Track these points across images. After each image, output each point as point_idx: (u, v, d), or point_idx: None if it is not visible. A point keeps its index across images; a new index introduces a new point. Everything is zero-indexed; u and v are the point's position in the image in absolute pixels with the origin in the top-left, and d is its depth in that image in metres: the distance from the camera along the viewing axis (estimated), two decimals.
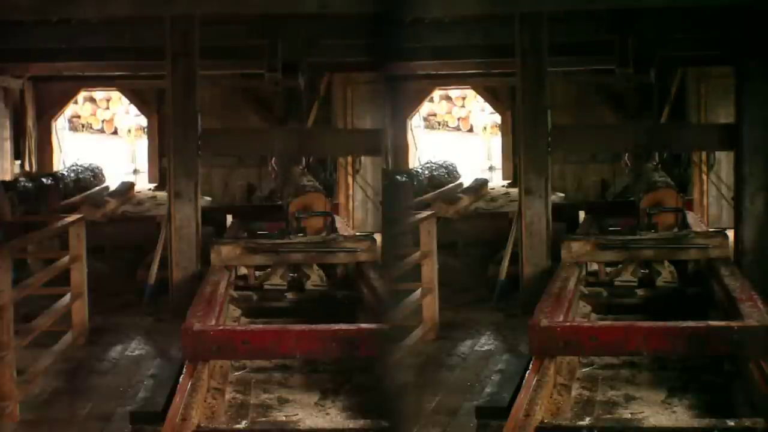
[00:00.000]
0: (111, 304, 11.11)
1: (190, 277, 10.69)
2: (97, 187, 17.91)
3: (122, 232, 13.70)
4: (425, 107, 23.32)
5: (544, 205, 10.89)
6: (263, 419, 7.48)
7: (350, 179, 15.71)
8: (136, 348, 9.57)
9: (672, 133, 12.41)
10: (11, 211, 13.37)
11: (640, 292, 10.58)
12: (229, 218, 13.11)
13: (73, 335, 9.54)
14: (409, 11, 10.29)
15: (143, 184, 19.30)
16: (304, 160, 13.50)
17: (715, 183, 15.53)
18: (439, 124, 25.92)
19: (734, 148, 11.02)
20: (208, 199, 15.72)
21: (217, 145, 11.59)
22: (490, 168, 23.14)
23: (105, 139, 25.88)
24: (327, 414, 7.61)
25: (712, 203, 15.78)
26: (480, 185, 17.25)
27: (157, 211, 14.71)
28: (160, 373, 8.52)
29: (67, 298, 9.62)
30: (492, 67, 15.72)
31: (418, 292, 9.80)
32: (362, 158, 15.44)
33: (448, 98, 25.78)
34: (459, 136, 25.62)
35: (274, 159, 13.96)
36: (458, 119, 26.05)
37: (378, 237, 10.86)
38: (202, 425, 6.97)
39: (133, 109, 22.86)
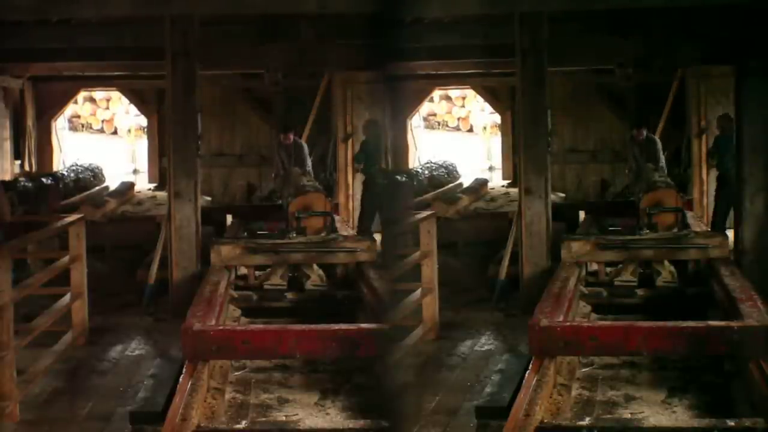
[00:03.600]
0: (111, 304, 11.12)
1: (190, 277, 10.69)
2: (97, 187, 17.91)
3: (122, 232, 13.70)
4: (425, 107, 23.31)
5: (543, 205, 10.89)
6: (263, 419, 7.48)
7: (350, 179, 15.69)
8: (136, 348, 9.57)
9: None
10: (11, 211, 13.38)
11: (640, 292, 10.59)
12: (229, 218, 13.11)
13: (73, 335, 9.54)
14: (409, 11, 10.31)
15: (143, 184, 19.30)
16: (309, 162, 13.47)
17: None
18: (439, 124, 25.91)
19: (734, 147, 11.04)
20: (208, 198, 15.73)
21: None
22: (490, 168, 23.13)
23: (105, 139, 25.87)
24: (327, 414, 7.61)
25: (712, 203, 15.73)
26: (480, 185, 17.25)
27: (157, 211, 14.71)
28: (160, 373, 8.52)
29: (67, 298, 9.62)
30: (492, 67, 15.72)
31: (418, 292, 9.80)
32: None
33: (448, 98, 25.77)
34: (459, 136, 25.61)
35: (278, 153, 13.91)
36: (458, 119, 26.04)
37: (378, 237, 10.87)
38: (202, 425, 6.97)
39: (133, 109, 22.86)
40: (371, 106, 15.94)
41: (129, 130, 25.87)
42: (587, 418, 7.08)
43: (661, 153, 14.69)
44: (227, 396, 7.93)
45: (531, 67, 10.85)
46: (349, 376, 8.28)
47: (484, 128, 25.44)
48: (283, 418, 7.48)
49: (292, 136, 13.68)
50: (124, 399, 7.96)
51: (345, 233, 11.61)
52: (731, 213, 13.92)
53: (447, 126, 25.96)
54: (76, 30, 12.58)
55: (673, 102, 16.61)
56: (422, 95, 18.52)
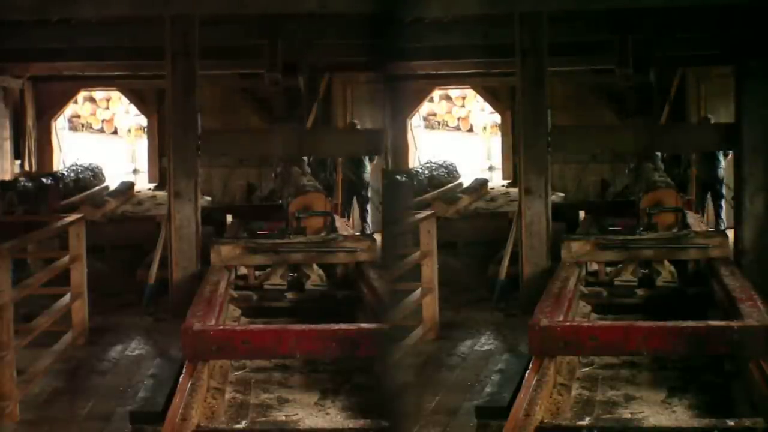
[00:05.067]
0: (111, 304, 11.12)
1: (190, 277, 10.69)
2: (97, 187, 17.90)
3: (122, 232, 13.69)
4: (425, 107, 23.32)
5: (543, 205, 10.89)
6: (263, 419, 7.48)
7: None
8: (136, 348, 9.58)
9: (672, 134, 12.40)
10: (11, 211, 13.39)
11: (640, 291, 10.59)
12: (229, 218, 13.10)
13: (73, 335, 9.54)
14: (409, 11, 10.31)
15: (143, 184, 19.29)
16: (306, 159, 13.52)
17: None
18: (439, 123, 25.92)
19: (734, 147, 11.04)
20: (208, 198, 15.72)
21: (217, 145, 11.57)
22: (490, 168, 23.14)
23: (105, 139, 25.88)
24: (327, 414, 7.62)
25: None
26: (480, 185, 17.25)
27: (157, 210, 14.71)
28: (160, 373, 8.51)
29: (67, 297, 9.63)
30: (492, 67, 15.73)
31: (418, 291, 9.80)
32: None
33: (448, 98, 25.78)
34: (459, 136, 25.61)
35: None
36: (458, 119, 26.05)
37: (378, 237, 10.86)
38: (202, 425, 6.97)
39: (133, 109, 22.87)
40: (371, 105, 15.96)
41: (129, 130, 25.89)
42: (587, 418, 7.07)
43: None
44: (227, 396, 7.94)
45: (531, 67, 10.84)
46: (349, 376, 8.28)
47: (484, 128, 25.45)
48: (283, 418, 7.48)
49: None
50: (124, 399, 7.96)
51: (345, 233, 11.60)
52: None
53: (447, 126, 25.97)
54: (76, 30, 12.59)
55: (673, 102, 16.61)
56: (422, 95, 18.52)
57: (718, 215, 14.87)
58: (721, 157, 14.88)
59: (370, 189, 15.17)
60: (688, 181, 15.64)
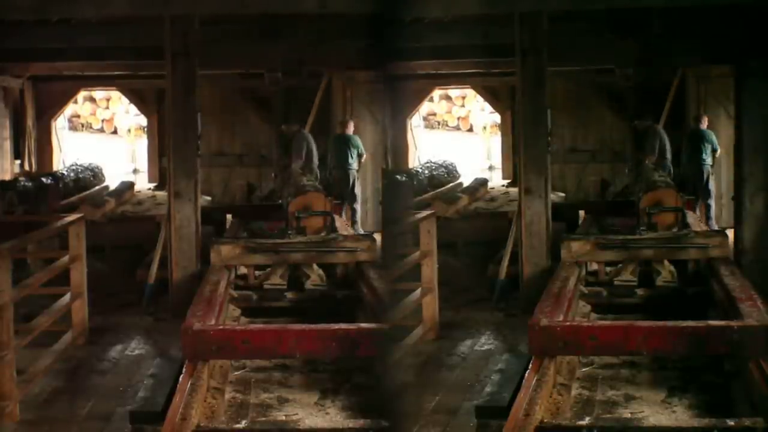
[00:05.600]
0: (111, 304, 11.13)
1: (189, 277, 10.70)
2: (97, 187, 17.91)
3: (122, 232, 13.70)
4: (425, 107, 23.33)
5: (543, 205, 10.89)
6: (263, 419, 7.48)
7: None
8: (135, 347, 9.58)
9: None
10: (11, 211, 13.39)
11: (639, 291, 10.58)
12: (229, 218, 13.11)
13: (72, 335, 9.54)
14: (409, 11, 10.31)
15: (143, 184, 19.30)
16: (314, 155, 13.55)
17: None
18: (438, 123, 25.93)
19: (734, 147, 11.05)
20: (208, 198, 15.73)
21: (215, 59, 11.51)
22: (490, 167, 23.14)
23: (105, 139, 25.89)
24: (327, 413, 7.62)
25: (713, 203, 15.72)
26: (480, 185, 17.25)
27: (157, 210, 14.71)
28: (159, 373, 8.52)
29: (67, 297, 9.63)
30: (492, 67, 15.73)
31: (418, 291, 9.80)
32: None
33: (448, 98, 25.80)
34: (459, 136, 25.62)
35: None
36: (458, 119, 26.06)
37: (378, 236, 10.86)
38: (201, 425, 6.97)
39: (133, 109, 22.87)
40: (371, 105, 15.96)
41: (129, 130, 25.89)
42: (587, 418, 7.07)
43: (667, 144, 14.72)
44: (227, 395, 7.94)
45: (531, 67, 10.85)
46: (349, 376, 8.28)
47: (484, 128, 25.46)
48: (283, 418, 7.48)
49: (294, 128, 13.75)
50: (124, 398, 7.97)
51: (345, 233, 11.60)
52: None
53: (447, 126, 25.99)
54: (76, 30, 12.58)
55: (673, 102, 16.62)
56: (422, 95, 18.52)
57: (707, 216, 14.88)
58: (708, 157, 14.91)
59: (357, 186, 15.16)
60: (688, 180, 15.63)
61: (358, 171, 15.26)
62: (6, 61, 14.96)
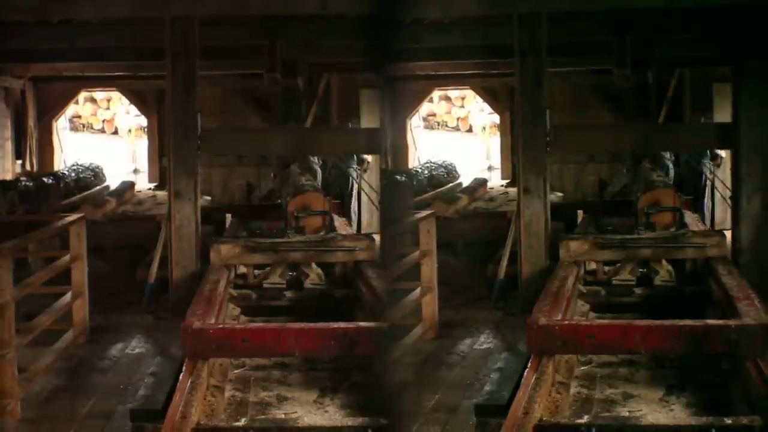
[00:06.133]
0: (111, 303, 11.14)
1: (189, 276, 10.72)
2: (98, 187, 17.94)
3: (122, 232, 13.72)
4: (425, 107, 23.36)
5: (542, 205, 10.91)
6: (262, 417, 7.51)
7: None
8: (136, 346, 9.60)
9: (670, 134, 12.43)
10: (12, 211, 13.42)
11: (638, 290, 10.61)
12: (229, 217, 13.14)
13: (73, 334, 9.57)
14: (409, 12, 10.34)
15: (143, 184, 19.34)
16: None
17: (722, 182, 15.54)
18: (438, 124, 25.95)
19: (732, 147, 11.07)
20: (208, 198, 15.75)
21: (217, 144, 11.60)
22: (489, 168, 23.17)
23: (105, 139, 25.91)
24: (326, 412, 7.64)
25: (715, 203, 15.69)
26: (479, 185, 17.28)
27: (157, 210, 14.74)
28: (160, 371, 8.54)
29: (68, 296, 9.65)
30: (491, 68, 15.77)
31: (418, 290, 9.83)
32: (369, 158, 15.44)
33: (448, 98, 25.82)
34: (458, 136, 25.65)
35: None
36: (457, 119, 26.08)
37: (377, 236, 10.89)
38: (201, 423, 6.99)
39: (134, 109, 22.90)
40: (371, 106, 15.99)
41: (129, 130, 25.92)
42: (586, 416, 7.10)
43: None
44: (227, 394, 7.96)
45: (530, 68, 10.87)
46: (348, 374, 8.31)
47: (484, 128, 25.49)
48: (282, 416, 7.51)
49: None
50: (125, 397, 7.99)
51: (344, 232, 11.63)
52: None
53: (446, 126, 26.02)
54: (76, 30, 12.61)
55: (671, 103, 16.64)
56: (422, 95, 18.56)
57: (702, 216, 14.88)
58: (706, 158, 14.92)
59: (355, 188, 15.12)
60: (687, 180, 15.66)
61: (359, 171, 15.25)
62: (7, 61, 15.00)
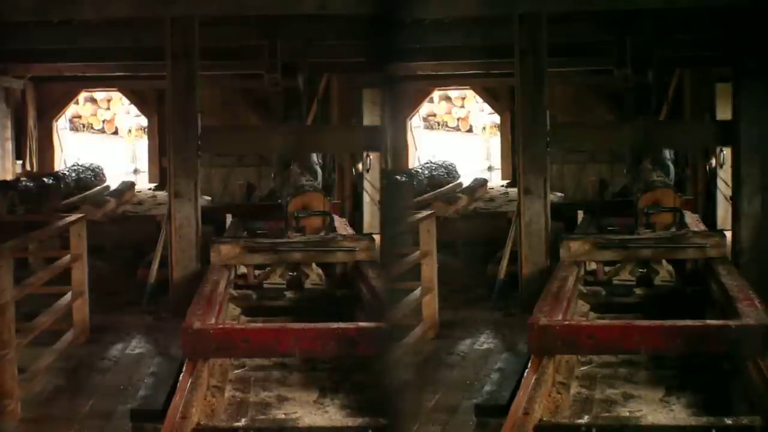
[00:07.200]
0: (112, 303, 11.14)
1: (190, 276, 10.71)
2: (98, 187, 17.96)
3: (123, 232, 13.73)
4: (425, 107, 23.39)
5: (542, 205, 10.92)
6: (262, 417, 7.51)
7: (346, 182, 15.71)
8: (136, 346, 9.60)
9: (670, 131, 12.45)
10: (13, 211, 13.42)
11: (638, 291, 10.60)
12: (229, 217, 13.14)
13: (73, 334, 9.57)
14: (409, 12, 10.33)
15: (143, 184, 19.36)
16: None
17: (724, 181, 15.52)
18: (438, 124, 25.98)
19: (732, 147, 11.07)
20: (208, 198, 15.76)
21: (217, 144, 11.60)
22: (489, 168, 23.20)
23: (105, 139, 25.94)
24: (326, 412, 7.65)
25: (715, 203, 15.67)
26: (479, 185, 17.30)
27: (157, 210, 14.76)
28: (160, 372, 8.55)
29: (68, 296, 9.65)
30: (491, 68, 15.78)
31: (418, 291, 9.83)
32: (370, 158, 15.44)
33: (448, 98, 25.85)
34: (458, 136, 25.67)
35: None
36: (457, 119, 26.11)
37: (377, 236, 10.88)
38: (201, 423, 7.00)
39: (134, 109, 22.93)
40: (370, 106, 15.98)
41: (129, 130, 25.95)
42: (586, 417, 7.10)
43: None
44: (227, 394, 7.97)
45: (530, 68, 10.87)
46: (348, 375, 8.31)
47: (484, 128, 25.52)
48: (283, 416, 7.51)
49: None
50: (125, 397, 7.99)
51: (344, 232, 11.63)
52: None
53: (447, 126, 26.04)
54: (77, 31, 12.62)
55: (672, 103, 16.65)
56: (422, 96, 18.58)
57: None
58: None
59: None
60: (687, 180, 15.68)
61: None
62: (7, 62, 15.03)
